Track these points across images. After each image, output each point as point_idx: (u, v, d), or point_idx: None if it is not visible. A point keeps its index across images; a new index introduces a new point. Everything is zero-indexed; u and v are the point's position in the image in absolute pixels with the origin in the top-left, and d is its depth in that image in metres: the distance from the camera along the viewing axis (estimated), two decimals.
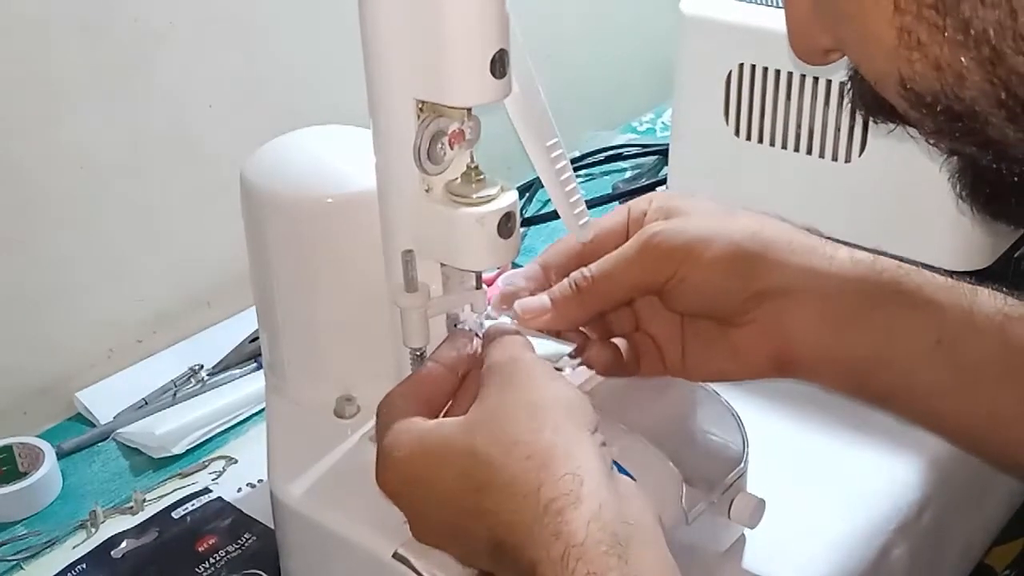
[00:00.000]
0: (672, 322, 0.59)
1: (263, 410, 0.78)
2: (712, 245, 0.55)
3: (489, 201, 0.53)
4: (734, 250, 0.55)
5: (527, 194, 1.06)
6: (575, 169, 0.69)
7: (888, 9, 0.38)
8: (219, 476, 0.75)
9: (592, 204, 0.92)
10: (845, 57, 0.44)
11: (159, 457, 0.77)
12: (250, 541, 0.70)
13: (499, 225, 0.53)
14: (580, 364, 0.59)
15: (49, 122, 0.80)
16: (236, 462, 0.77)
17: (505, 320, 0.57)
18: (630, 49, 1.28)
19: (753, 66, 0.80)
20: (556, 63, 1.12)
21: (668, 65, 0.88)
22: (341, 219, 0.61)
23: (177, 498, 0.73)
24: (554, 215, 0.89)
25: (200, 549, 0.69)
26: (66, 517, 0.73)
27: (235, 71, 0.90)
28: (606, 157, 1.15)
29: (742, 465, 0.60)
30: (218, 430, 0.80)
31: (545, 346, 0.56)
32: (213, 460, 0.77)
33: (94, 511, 0.72)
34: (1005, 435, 0.54)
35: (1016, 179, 0.43)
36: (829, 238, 0.57)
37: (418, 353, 0.57)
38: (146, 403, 0.82)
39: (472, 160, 0.54)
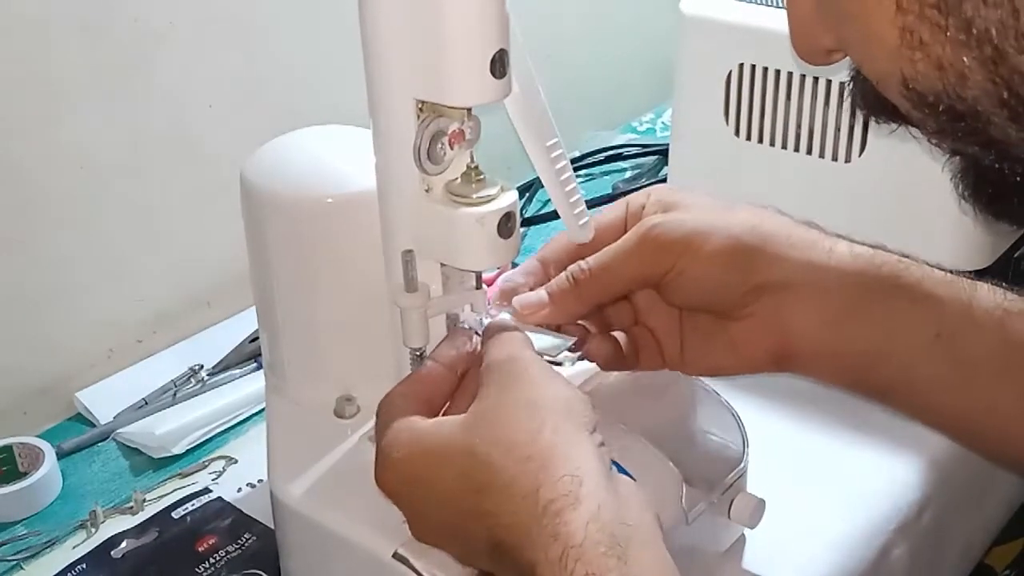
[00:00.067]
0: (671, 315, 0.59)
1: (263, 410, 0.78)
2: (711, 238, 0.55)
3: (489, 201, 0.53)
4: (733, 243, 0.55)
5: (527, 194, 1.06)
6: (575, 169, 0.69)
7: (890, 9, 0.38)
8: (219, 476, 0.75)
9: (592, 204, 0.92)
10: (847, 57, 0.44)
11: (159, 457, 0.77)
12: (250, 541, 0.70)
13: (499, 225, 0.53)
14: (580, 357, 0.58)
15: (49, 122, 0.80)
16: (236, 462, 0.77)
17: (505, 316, 0.57)
18: (630, 49, 1.28)
19: (753, 66, 0.80)
20: (556, 63, 1.13)
21: (668, 65, 0.88)
22: (341, 219, 0.61)
23: (177, 498, 0.73)
24: (554, 215, 0.89)
25: (200, 549, 0.69)
26: (66, 517, 0.73)
27: (235, 71, 0.90)
28: (606, 157, 1.15)
29: (742, 465, 0.60)
30: (218, 430, 0.80)
31: (544, 340, 0.56)
32: (213, 460, 0.77)
33: (94, 511, 0.72)
34: (1003, 430, 0.54)
35: (1018, 179, 0.43)
36: (829, 232, 0.57)
37: (418, 353, 0.56)
38: (146, 403, 0.82)
39: (472, 160, 0.54)
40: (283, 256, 0.63)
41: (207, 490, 0.74)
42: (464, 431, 0.48)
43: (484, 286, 0.58)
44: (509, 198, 0.54)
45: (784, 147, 0.81)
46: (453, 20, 0.49)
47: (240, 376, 0.85)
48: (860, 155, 0.78)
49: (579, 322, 0.59)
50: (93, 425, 0.82)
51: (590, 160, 1.14)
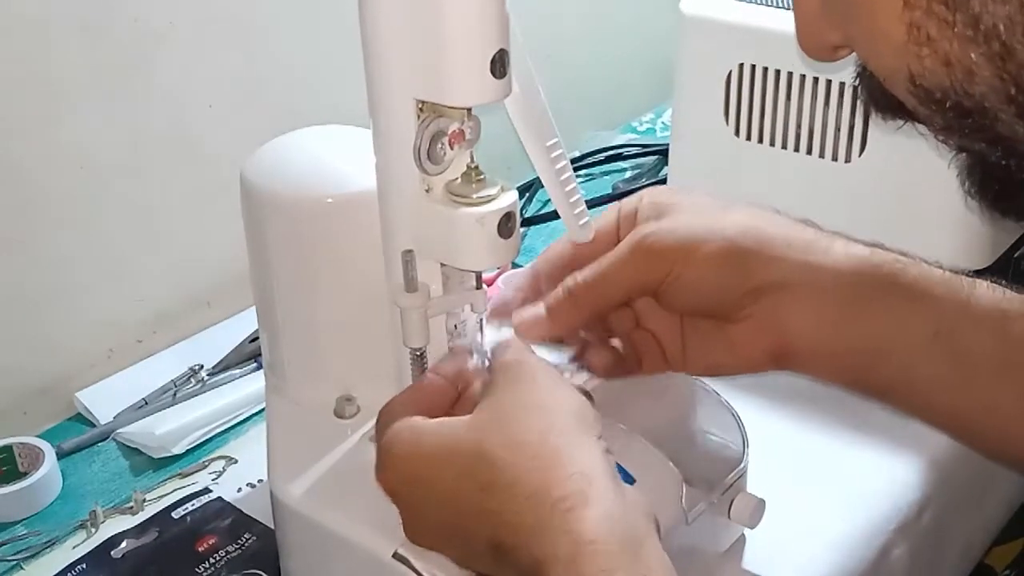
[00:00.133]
0: (671, 318, 0.59)
1: (263, 410, 0.78)
2: (705, 244, 0.54)
3: (489, 201, 0.53)
4: (727, 247, 0.54)
5: (527, 194, 1.06)
6: (575, 169, 0.69)
7: (897, 5, 0.38)
8: (219, 476, 0.75)
9: (592, 204, 0.92)
10: (852, 54, 0.44)
11: (159, 457, 0.77)
12: (250, 541, 0.70)
13: (499, 225, 0.53)
14: (579, 368, 0.58)
15: (49, 122, 0.80)
16: (236, 462, 0.77)
17: (507, 332, 0.57)
18: (630, 49, 1.28)
19: (753, 66, 0.80)
20: (556, 63, 1.13)
21: (668, 65, 0.88)
22: (341, 219, 0.61)
23: (177, 498, 0.73)
24: (554, 215, 0.89)
25: (200, 549, 0.69)
26: (66, 517, 0.73)
27: (235, 71, 0.90)
28: (606, 157, 1.15)
29: (742, 465, 0.60)
30: (218, 430, 0.80)
31: (543, 353, 0.56)
32: (213, 460, 0.77)
33: (94, 511, 0.72)
34: (1003, 428, 0.54)
35: None
36: (826, 231, 0.57)
37: (418, 353, 0.57)
38: (146, 403, 0.82)
39: (472, 160, 0.54)
40: (283, 256, 0.63)
41: (207, 490, 0.74)
42: (471, 430, 0.48)
43: (484, 286, 0.58)
44: (509, 198, 0.54)
45: (784, 147, 0.81)
46: (453, 20, 0.49)
47: (240, 376, 0.85)
48: (860, 155, 0.78)
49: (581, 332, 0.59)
50: (93, 425, 0.82)
51: (590, 160, 1.14)
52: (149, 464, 0.78)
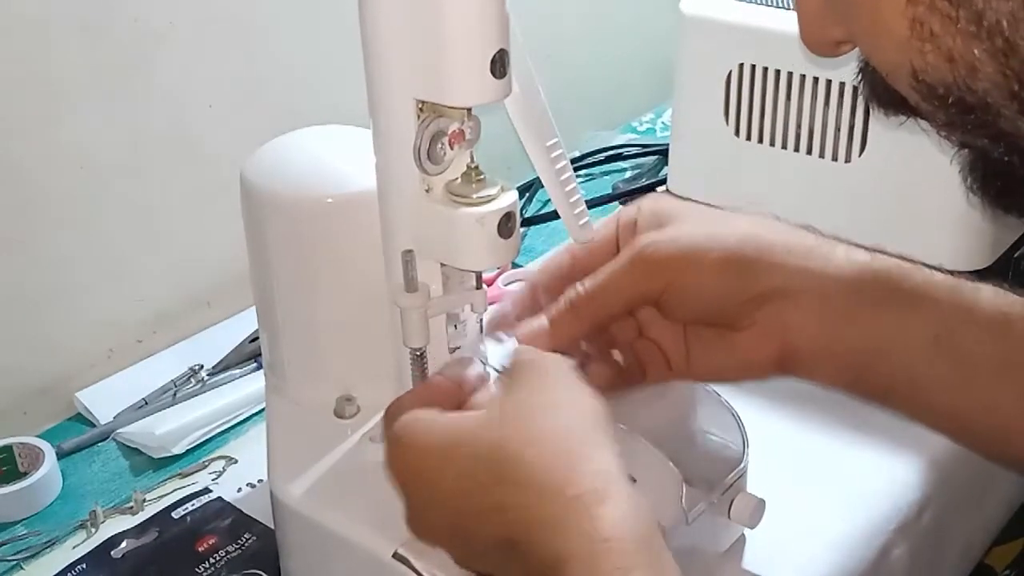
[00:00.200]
0: (674, 326, 0.58)
1: (263, 410, 0.78)
2: (706, 254, 0.54)
3: (489, 201, 0.53)
4: (728, 257, 0.54)
5: (527, 194, 1.06)
6: (575, 169, 0.69)
7: (900, 0, 0.38)
8: (219, 476, 0.75)
9: (592, 204, 0.92)
10: (855, 49, 0.44)
11: (159, 457, 0.77)
12: (250, 541, 0.70)
13: (499, 225, 0.53)
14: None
15: (49, 122, 0.80)
16: (236, 462, 0.77)
17: (509, 344, 0.56)
18: (630, 49, 1.28)
19: (753, 66, 0.80)
20: (556, 63, 1.13)
21: (668, 65, 0.88)
22: (341, 219, 0.61)
23: (177, 498, 0.73)
24: (554, 215, 0.89)
25: (200, 549, 0.69)
26: (66, 517, 0.73)
27: (235, 71, 0.90)
28: (606, 157, 1.15)
29: (742, 465, 0.60)
30: (218, 430, 0.80)
31: None
32: (213, 460, 0.77)
33: (94, 511, 0.72)
34: (1004, 430, 0.54)
35: None
36: (827, 236, 0.57)
37: (418, 353, 0.57)
38: (146, 403, 0.82)
39: (472, 160, 0.54)
40: (283, 256, 0.63)
41: (207, 490, 0.74)
42: (487, 424, 0.48)
43: (484, 286, 0.58)
44: (509, 198, 0.54)
45: (784, 147, 0.81)
46: (453, 20, 0.49)
47: (240, 376, 0.85)
48: (860, 155, 0.78)
49: (583, 346, 0.58)
50: (93, 425, 0.82)
51: (590, 160, 1.14)
52: (149, 464, 0.78)
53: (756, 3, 0.81)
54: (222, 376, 0.85)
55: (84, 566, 0.68)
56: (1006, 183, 0.45)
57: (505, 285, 0.92)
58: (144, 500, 0.73)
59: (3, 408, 0.81)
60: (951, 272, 0.56)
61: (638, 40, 1.27)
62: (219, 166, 0.82)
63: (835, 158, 0.79)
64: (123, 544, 0.70)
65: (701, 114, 0.85)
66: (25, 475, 0.74)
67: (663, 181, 0.96)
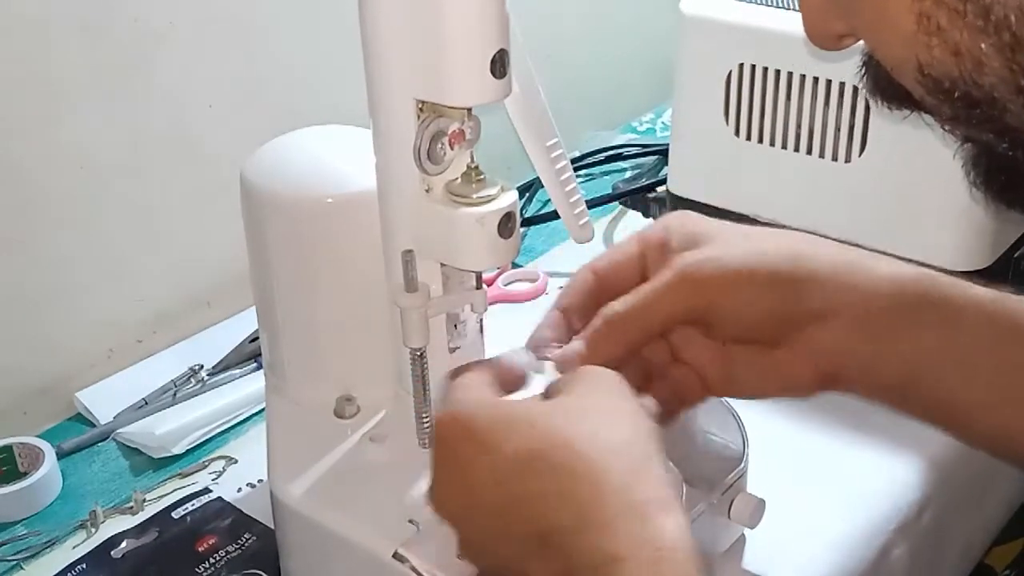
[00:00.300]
0: (711, 347, 0.57)
1: (263, 410, 0.78)
2: (751, 272, 0.53)
3: (489, 201, 0.53)
4: (774, 275, 0.53)
5: (527, 194, 1.06)
6: (575, 169, 0.69)
7: None
8: (219, 476, 0.75)
9: (592, 204, 0.92)
10: (857, 44, 0.44)
11: (159, 457, 0.77)
12: (250, 541, 0.70)
13: (499, 225, 0.53)
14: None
15: (49, 122, 0.80)
16: (236, 462, 0.77)
17: (550, 369, 0.55)
18: (630, 49, 1.28)
19: (753, 66, 0.80)
20: (556, 63, 1.13)
21: (668, 65, 0.88)
22: (341, 219, 0.61)
23: (177, 498, 0.73)
24: (554, 215, 0.89)
25: (200, 549, 0.69)
26: (66, 517, 0.73)
27: (235, 71, 0.90)
28: (606, 157, 1.15)
29: (742, 465, 0.60)
30: (218, 430, 0.80)
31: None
32: (213, 460, 0.77)
33: (94, 511, 0.72)
34: None
35: None
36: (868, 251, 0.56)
37: (418, 353, 0.57)
38: (146, 403, 0.82)
39: (472, 160, 0.54)
40: (283, 256, 0.63)
41: (207, 490, 0.74)
42: (553, 413, 0.47)
43: (484, 286, 0.58)
44: (509, 198, 0.54)
45: (784, 147, 0.81)
46: (453, 20, 0.49)
47: (240, 376, 0.85)
48: (860, 155, 0.78)
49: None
50: (93, 425, 0.82)
51: (590, 160, 1.14)
52: (149, 464, 0.78)
53: (756, 3, 0.81)
54: (222, 376, 0.84)
55: (84, 566, 0.68)
56: (1010, 178, 0.45)
57: (505, 285, 0.92)
58: (144, 500, 0.73)
59: (3, 408, 0.81)
60: (951, 273, 0.56)
61: (638, 40, 1.27)
62: (219, 166, 0.82)
63: (835, 158, 0.79)
64: (123, 544, 0.70)
65: (701, 114, 0.85)
66: (25, 475, 0.74)
67: (663, 181, 0.96)
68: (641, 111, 1.27)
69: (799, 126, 0.80)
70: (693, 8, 0.83)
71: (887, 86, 0.44)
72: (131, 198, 0.86)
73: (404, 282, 0.54)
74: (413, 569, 0.53)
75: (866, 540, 0.66)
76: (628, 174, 1.13)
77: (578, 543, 0.43)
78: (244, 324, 0.87)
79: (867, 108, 0.75)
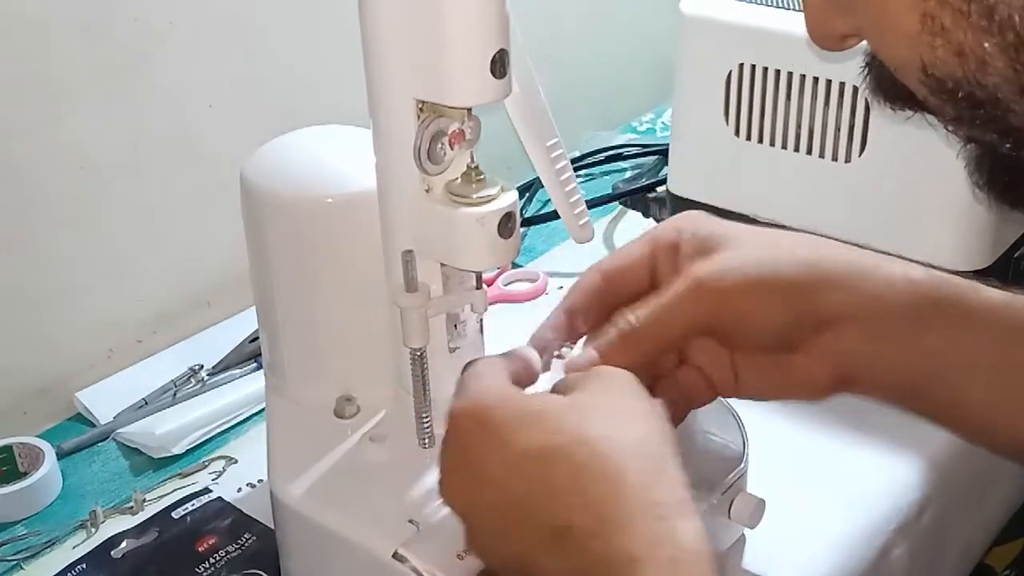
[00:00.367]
0: (721, 351, 0.56)
1: (263, 410, 0.78)
2: (768, 281, 0.53)
3: (489, 201, 0.53)
4: (791, 284, 0.53)
5: (527, 194, 1.06)
6: (575, 169, 0.69)
7: None
8: (219, 476, 0.75)
9: (592, 204, 0.92)
10: (860, 43, 0.44)
11: (159, 457, 0.77)
12: (250, 541, 0.70)
13: (499, 225, 0.53)
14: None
15: (49, 122, 0.80)
16: (236, 462, 0.77)
17: (558, 368, 0.55)
18: (630, 49, 1.28)
19: (753, 66, 0.80)
20: (556, 63, 1.13)
21: (668, 65, 0.88)
22: (341, 219, 0.61)
23: (177, 498, 0.73)
24: (554, 215, 0.89)
25: (200, 549, 0.69)
26: (66, 517, 0.73)
27: (235, 71, 0.90)
28: (606, 157, 1.15)
29: (742, 465, 0.60)
30: (218, 430, 0.80)
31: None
32: (213, 460, 0.77)
33: (94, 511, 0.72)
34: None
35: None
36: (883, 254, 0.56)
37: (418, 353, 0.57)
38: (146, 403, 0.82)
39: (472, 160, 0.54)
40: (283, 256, 0.63)
41: (207, 490, 0.74)
42: (576, 409, 0.46)
43: (484, 286, 0.58)
44: (509, 198, 0.54)
45: (784, 147, 0.81)
46: (453, 20, 0.49)
47: (240, 376, 0.85)
48: (860, 155, 0.78)
49: None
50: (93, 425, 0.82)
51: (590, 160, 1.14)
52: (149, 464, 0.78)
53: (756, 3, 0.81)
54: (222, 376, 0.84)
55: (84, 566, 0.68)
56: (1014, 179, 0.45)
57: (505, 285, 0.92)
58: (144, 500, 0.73)
59: (3, 408, 0.81)
60: (951, 273, 0.56)
61: (638, 40, 1.27)
62: (219, 166, 0.82)
63: (835, 158, 0.79)
64: (123, 544, 0.70)
65: (701, 114, 0.85)
66: (25, 475, 0.74)
67: (663, 181, 0.96)
68: (641, 111, 1.27)
69: (799, 126, 0.80)
70: (693, 8, 0.83)
71: (890, 87, 0.44)
72: (131, 198, 0.86)
73: (404, 282, 0.54)
74: (413, 569, 0.53)
75: (866, 540, 0.66)
76: (628, 174, 1.13)
77: (594, 542, 0.43)
78: (244, 324, 0.87)
79: (867, 108, 0.75)
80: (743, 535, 0.63)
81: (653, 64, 1.21)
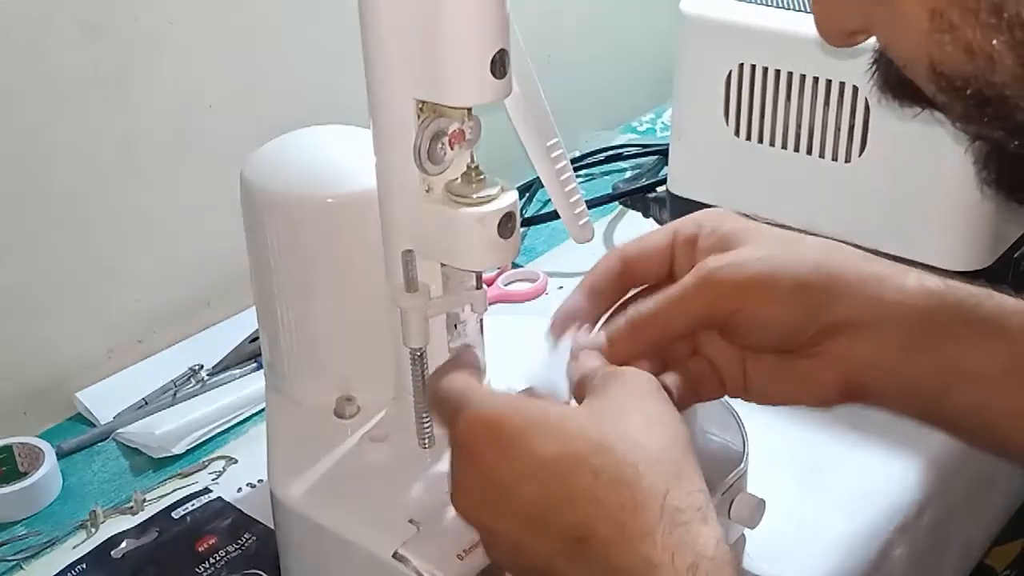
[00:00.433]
0: (733, 348, 0.56)
1: (263, 410, 0.78)
2: (778, 282, 0.52)
3: (489, 201, 0.53)
4: (801, 285, 0.53)
5: (527, 194, 1.06)
6: (575, 169, 0.69)
7: None
8: (219, 476, 0.75)
9: (592, 204, 0.92)
10: (868, 40, 0.44)
11: (159, 457, 0.77)
12: (250, 541, 0.70)
13: (499, 225, 0.53)
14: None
15: (49, 122, 0.80)
16: (236, 462, 0.77)
17: (564, 348, 0.55)
18: (630, 49, 1.28)
19: (753, 66, 0.80)
20: (556, 63, 1.12)
21: (668, 65, 0.88)
22: (341, 219, 0.61)
23: (177, 498, 0.73)
24: (554, 215, 0.89)
25: (200, 549, 0.69)
26: (66, 517, 0.73)
27: (235, 71, 0.90)
28: (606, 157, 1.15)
29: (742, 465, 0.60)
30: (218, 430, 0.80)
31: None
32: (213, 460, 0.77)
33: (94, 511, 0.72)
34: None
35: None
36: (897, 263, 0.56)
37: (418, 353, 0.57)
38: (146, 403, 0.82)
39: (472, 160, 0.54)
40: (283, 256, 0.63)
41: (207, 490, 0.74)
42: (593, 416, 0.46)
43: (484, 286, 0.58)
44: (509, 198, 0.54)
45: (784, 147, 0.81)
46: (453, 20, 0.49)
47: (240, 376, 0.85)
48: (860, 155, 0.78)
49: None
50: (93, 425, 0.82)
51: (590, 160, 1.14)
52: (149, 464, 0.78)
53: (756, 3, 0.81)
54: (222, 376, 0.84)
55: (84, 566, 0.68)
56: (1021, 176, 0.45)
57: (505, 285, 0.92)
58: (144, 500, 0.73)
59: (3, 408, 0.81)
60: (951, 273, 0.56)
61: (638, 40, 1.27)
62: (219, 166, 0.82)
63: (835, 158, 0.79)
64: (123, 544, 0.70)
65: (701, 114, 0.85)
66: (25, 475, 0.74)
67: (663, 181, 0.96)
68: (641, 111, 1.27)
69: (799, 126, 0.80)
70: (693, 8, 0.83)
71: (897, 84, 0.44)
72: (131, 198, 0.86)
73: (404, 282, 0.54)
74: (413, 569, 0.53)
75: (866, 540, 0.66)
76: (628, 174, 1.13)
77: (615, 549, 0.43)
78: (244, 324, 0.87)
79: (867, 108, 0.75)
80: (743, 535, 0.63)
81: (653, 64, 1.21)
